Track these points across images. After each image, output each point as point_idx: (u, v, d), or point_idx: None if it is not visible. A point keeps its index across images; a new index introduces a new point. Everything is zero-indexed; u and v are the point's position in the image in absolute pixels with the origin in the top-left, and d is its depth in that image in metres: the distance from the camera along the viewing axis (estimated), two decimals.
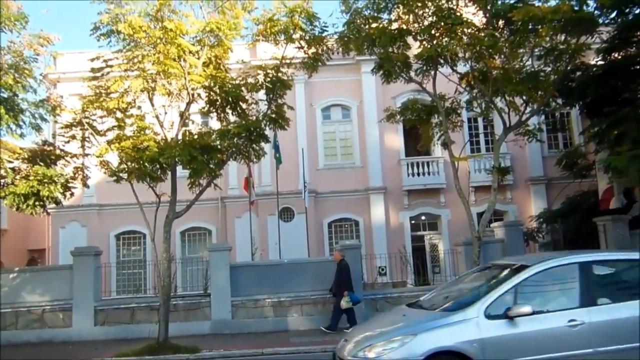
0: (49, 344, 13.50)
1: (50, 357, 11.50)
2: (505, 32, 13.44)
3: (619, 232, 15.29)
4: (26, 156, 12.95)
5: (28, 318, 14.16)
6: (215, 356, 11.39)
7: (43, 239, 24.13)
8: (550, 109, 16.34)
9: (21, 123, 12.43)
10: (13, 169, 12.64)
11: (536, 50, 13.66)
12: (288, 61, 13.13)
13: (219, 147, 12.83)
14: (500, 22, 13.32)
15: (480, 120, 22.54)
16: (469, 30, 12.89)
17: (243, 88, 12.70)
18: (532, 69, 13.70)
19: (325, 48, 13.15)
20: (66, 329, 14.03)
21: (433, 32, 12.89)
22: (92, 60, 11.75)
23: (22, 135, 12.55)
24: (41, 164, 12.53)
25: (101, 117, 12.43)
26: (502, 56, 13.42)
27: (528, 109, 13.94)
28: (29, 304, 14.23)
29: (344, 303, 13.45)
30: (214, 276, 14.52)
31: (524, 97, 13.48)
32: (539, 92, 13.48)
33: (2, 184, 12.94)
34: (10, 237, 27.43)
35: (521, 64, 13.73)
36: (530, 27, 12.51)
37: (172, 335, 12.47)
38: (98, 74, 11.89)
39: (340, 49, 14.61)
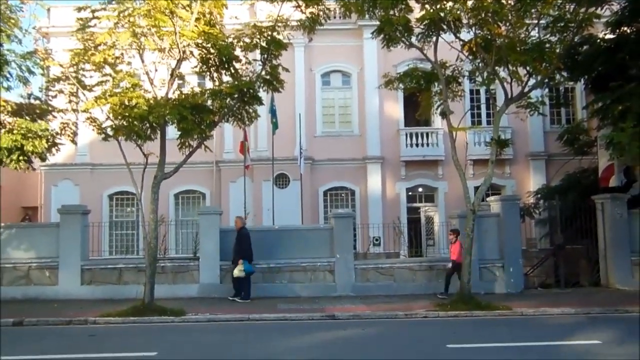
0: (35, 301, 13.38)
1: (35, 314, 11.36)
2: None
3: (617, 211, 15.07)
4: (11, 109, 12.56)
5: (13, 274, 14.03)
6: (201, 319, 11.27)
7: (36, 197, 23.93)
8: (554, 82, 15.87)
9: (7, 75, 11.98)
10: None
11: (543, 19, 13.13)
12: (285, 21, 12.65)
13: (210, 107, 12.47)
14: None
15: (482, 91, 22.07)
16: None
17: (237, 47, 12.25)
18: (538, 39, 13.19)
19: (323, 8, 12.61)
20: (52, 286, 13.92)
21: None
22: (79, 10, 11.26)
23: (8, 88, 12.16)
24: (27, 118, 12.17)
25: (89, 71, 12.01)
26: (507, 24, 12.89)
27: (531, 81, 13.48)
28: (14, 260, 14.07)
29: (237, 271, 13.28)
30: (203, 240, 14.34)
31: (528, 68, 13.01)
32: (544, 64, 13.01)
33: None
34: (4, 194, 27.14)
35: (526, 33, 13.22)
36: None
37: (160, 297, 12.36)
38: (86, 25, 11.42)
39: (340, 11, 14.09)
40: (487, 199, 15.82)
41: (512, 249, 14.56)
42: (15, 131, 11.52)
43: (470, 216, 12.65)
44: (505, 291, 14.36)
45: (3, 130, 11.85)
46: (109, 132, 12.11)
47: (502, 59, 12.73)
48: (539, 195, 19.01)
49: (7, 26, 11.49)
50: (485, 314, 11.62)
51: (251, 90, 12.36)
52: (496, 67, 13.04)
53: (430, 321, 11.26)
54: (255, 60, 13.09)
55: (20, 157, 11.75)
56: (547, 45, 13.03)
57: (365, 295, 13.81)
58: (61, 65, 12.16)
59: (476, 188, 16.72)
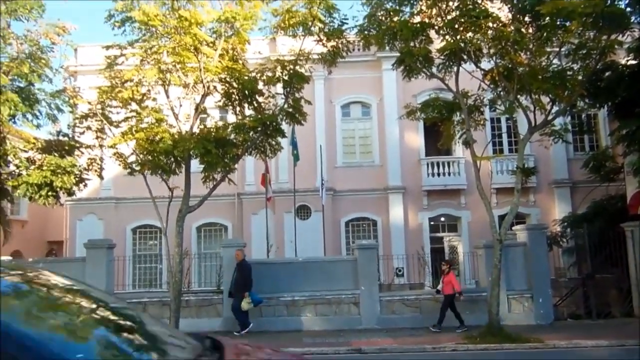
0: None
1: None
2: (531, 27, 12.94)
3: None
4: (41, 146, 12.87)
5: None
6: None
7: (61, 231, 24.24)
8: (577, 109, 15.77)
9: (37, 113, 12.32)
10: (27, 159, 12.57)
11: (564, 47, 13.14)
12: (306, 55, 12.85)
13: (234, 140, 12.62)
14: (527, 17, 12.82)
15: (503, 120, 22.01)
16: (494, 25, 12.42)
17: (260, 81, 12.44)
18: (560, 67, 13.17)
19: (344, 41, 12.79)
20: None
21: (457, 26, 12.43)
22: (107, 48, 11.61)
23: (38, 126, 12.52)
24: (55, 154, 12.43)
25: (116, 107, 12.30)
26: (528, 52, 12.92)
27: (554, 108, 13.40)
28: None
29: (245, 304, 12.97)
30: (226, 273, 14.28)
31: (551, 96, 12.96)
32: (567, 91, 12.95)
33: (16, 173, 12.90)
34: (29, 228, 27.67)
35: (548, 60, 13.21)
36: (558, 22, 12.03)
37: (183, 331, 12.26)
38: (113, 63, 11.76)
39: (360, 43, 14.26)
40: (513, 228, 15.57)
41: (540, 279, 14.24)
42: (44, 167, 11.76)
43: (497, 246, 12.44)
44: (534, 322, 13.99)
45: (33, 167, 12.10)
46: (135, 167, 12.29)
47: (524, 87, 12.72)
48: (565, 224, 18.68)
49: (38, 66, 11.83)
50: (516, 347, 11.30)
51: (274, 123, 12.49)
52: (518, 96, 13.02)
53: (460, 354, 10.99)
54: (277, 93, 13.26)
55: (49, 193, 11.97)
56: (569, 72, 12.99)
57: (390, 328, 13.57)
58: (89, 103, 12.47)
59: (500, 217, 16.55)
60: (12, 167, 13.51)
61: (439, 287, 13.75)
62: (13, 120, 11.90)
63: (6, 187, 13.25)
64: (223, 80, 12.29)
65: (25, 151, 12.72)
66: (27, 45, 12.23)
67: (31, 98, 11.96)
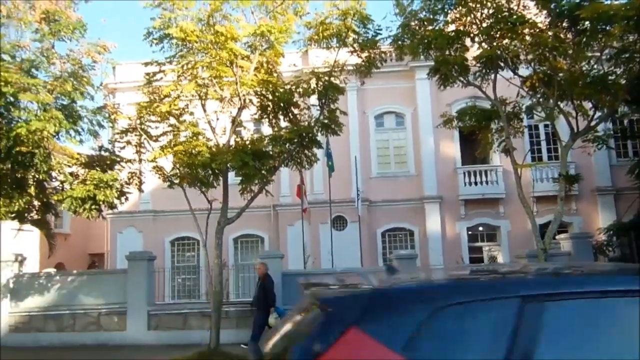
0: (105, 347, 13.68)
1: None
2: (570, 32, 12.66)
3: None
4: (84, 161, 13.23)
5: (85, 320, 14.43)
6: None
7: (102, 244, 24.82)
8: (620, 114, 15.31)
9: (79, 129, 12.67)
10: (71, 174, 12.93)
11: (605, 51, 12.79)
12: (340, 66, 12.87)
13: (270, 152, 12.69)
14: (565, 22, 12.55)
15: (541, 127, 21.58)
16: (532, 31, 12.21)
17: (295, 93, 12.51)
18: (602, 71, 12.82)
19: (379, 52, 12.77)
20: (121, 332, 14.19)
21: (493, 33, 12.27)
22: (146, 64, 11.89)
23: (80, 142, 12.83)
24: (97, 169, 12.75)
25: (155, 122, 12.57)
26: (568, 58, 12.63)
27: (597, 114, 13.04)
28: (85, 306, 14.52)
29: (273, 320, 12.18)
30: None
31: (593, 101, 12.62)
32: (609, 96, 12.59)
33: (60, 188, 13.27)
34: (72, 242, 28.45)
35: (589, 65, 12.89)
36: (599, 26, 11.72)
37: (224, 342, 12.32)
38: (152, 79, 12.03)
39: (394, 53, 14.22)
40: (557, 237, 15.16)
41: None
42: (88, 182, 12.07)
43: (542, 255, 12.12)
44: None
45: (76, 182, 12.44)
46: (174, 180, 12.50)
47: (565, 93, 12.43)
48: (610, 232, 18.08)
49: (80, 84, 12.19)
50: None
51: (310, 135, 12.52)
52: (559, 102, 12.73)
53: None
54: (312, 105, 13.31)
55: (93, 206, 12.26)
56: (612, 77, 12.63)
57: None
58: (129, 118, 12.78)
59: (541, 226, 16.13)
60: (56, 183, 13.93)
61: None
62: (57, 136, 12.25)
63: (51, 201, 13.66)
64: (259, 93, 12.41)
65: (69, 166, 13.09)
66: (69, 65, 12.61)
67: (74, 115, 12.30)
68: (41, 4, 12.09)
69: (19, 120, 11.52)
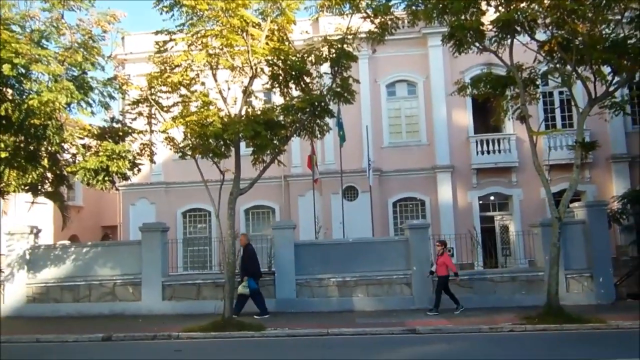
0: (120, 317, 13.87)
1: (122, 329, 11.76)
2: None
3: None
4: (95, 133, 13.18)
5: (100, 291, 14.61)
6: (280, 334, 11.25)
7: (115, 216, 24.99)
8: (638, 80, 14.94)
9: (91, 101, 12.58)
10: (84, 146, 12.91)
11: (626, 13, 12.40)
12: (353, 33, 12.61)
13: (282, 122, 12.59)
14: None
15: (556, 94, 21.22)
16: None
17: (307, 61, 12.31)
18: (622, 35, 12.46)
19: (393, 17, 12.47)
20: (136, 302, 14.37)
21: None
22: (156, 33, 11.71)
23: (92, 113, 12.73)
24: (110, 140, 12.71)
25: (166, 92, 12.45)
26: (587, 21, 12.27)
27: (616, 79, 12.73)
28: (100, 277, 14.68)
29: (241, 288, 12.93)
30: (278, 254, 14.40)
31: (612, 66, 12.30)
32: (629, 61, 12.26)
33: (73, 160, 13.26)
34: (85, 214, 28.67)
35: (609, 29, 12.53)
36: None
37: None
38: (162, 48, 11.87)
39: (407, 20, 13.90)
40: (571, 205, 15.04)
41: (601, 258, 13.74)
42: (100, 153, 12.04)
43: (556, 224, 12.03)
44: (595, 302, 13.56)
45: (89, 153, 12.41)
46: (187, 151, 12.44)
47: (583, 57, 12.12)
48: (625, 200, 17.86)
49: (91, 54, 12.05)
50: (578, 328, 10.96)
51: (322, 104, 12.36)
52: (577, 67, 12.43)
53: (518, 335, 10.72)
54: (325, 73, 13.11)
55: (106, 178, 12.26)
56: (632, 40, 12.28)
57: (444, 309, 13.37)
58: (140, 89, 12.66)
59: (555, 194, 15.98)
60: (69, 155, 13.91)
61: (433, 268, 13.42)
62: (69, 108, 12.16)
63: (64, 173, 13.67)
64: (270, 62, 12.22)
65: (82, 138, 13.06)
66: (79, 35, 12.44)
67: (85, 86, 12.18)
68: None
69: (31, 92, 11.43)
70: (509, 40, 12.71)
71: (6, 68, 10.35)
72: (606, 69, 12.54)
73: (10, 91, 11.91)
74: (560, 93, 20.95)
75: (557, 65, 13.03)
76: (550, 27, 12.37)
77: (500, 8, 12.29)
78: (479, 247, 17.85)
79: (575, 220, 14.44)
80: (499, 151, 21.44)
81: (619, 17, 12.36)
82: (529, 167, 17.08)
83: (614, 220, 17.14)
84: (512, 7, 11.87)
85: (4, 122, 11.51)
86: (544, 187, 12.54)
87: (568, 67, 12.55)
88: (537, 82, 13.86)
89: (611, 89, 12.59)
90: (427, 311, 13.03)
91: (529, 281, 13.91)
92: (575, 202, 15.64)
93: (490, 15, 12.64)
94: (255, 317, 12.78)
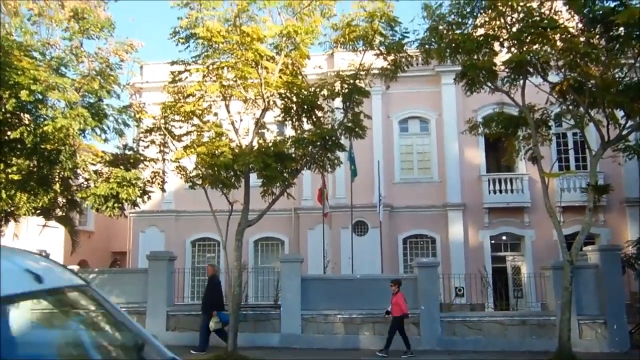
0: None
1: None
2: (603, 38, 12.30)
3: None
4: (108, 159, 13.31)
5: None
6: None
7: (125, 242, 25.03)
8: None
9: (105, 128, 12.74)
10: (95, 172, 13.02)
11: None
12: (366, 70, 12.73)
13: (293, 155, 12.61)
14: (598, 28, 12.20)
15: (569, 135, 21.14)
16: (563, 36, 11.91)
17: (319, 95, 12.41)
18: (635, 79, 12.43)
19: (405, 55, 12.59)
20: None
21: (523, 37, 11.98)
22: (172, 63, 11.92)
23: (105, 140, 12.88)
24: (121, 167, 12.81)
25: (179, 121, 12.59)
26: (600, 64, 12.28)
27: (629, 123, 12.65)
28: None
29: (213, 324, 12.66)
30: (284, 288, 14.23)
31: (625, 110, 12.23)
32: None
33: (84, 185, 13.37)
34: (95, 239, 28.77)
35: (622, 73, 12.52)
36: (634, 32, 11.37)
37: (241, 346, 12.24)
38: (177, 78, 12.06)
39: (420, 57, 14.04)
40: (584, 248, 14.76)
41: (615, 304, 13.36)
42: (111, 180, 12.12)
43: (568, 268, 11.78)
44: (608, 350, 13.12)
45: (100, 180, 12.51)
46: (196, 180, 12.49)
47: (596, 100, 12.08)
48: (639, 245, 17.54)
49: (107, 83, 12.27)
50: None
51: (333, 138, 12.39)
52: (589, 109, 12.38)
53: None
54: (337, 108, 13.20)
55: (115, 204, 12.32)
56: None
57: (452, 350, 13.06)
58: (154, 117, 12.82)
59: (567, 237, 15.73)
60: (80, 180, 14.04)
61: (389, 308, 13.10)
62: (83, 134, 12.32)
63: (75, 198, 13.76)
64: (283, 95, 12.34)
65: (94, 164, 13.18)
66: (97, 63, 12.70)
67: (100, 113, 12.36)
68: (70, 2, 12.21)
69: (46, 117, 11.61)
70: (521, 81, 12.74)
71: (24, 94, 10.56)
72: (619, 113, 12.47)
73: (26, 116, 12.13)
74: (574, 134, 20.84)
75: (570, 107, 13.00)
76: (562, 69, 12.39)
77: (512, 49, 12.35)
78: (489, 288, 17.50)
79: (588, 264, 14.12)
80: (512, 191, 21.27)
81: (632, 61, 12.35)
82: (542, 207, 16.83)
83: (629, 265, 16.80)
84: (524, 49, 11.92)
85: (18, 145, 11.68)
86: (556, 229, 12.36)
87: (581, 109, 12.50)
88: (550, 124, 13.81)
89: (624, 132, 12.48)
90: (377, 351, 12.72)
91: (540, 325, 13.56)
92: (589, 246, 15.33)
93: (502, 55, 12.72)
94: (192, 352, 12.47)
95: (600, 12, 11.69)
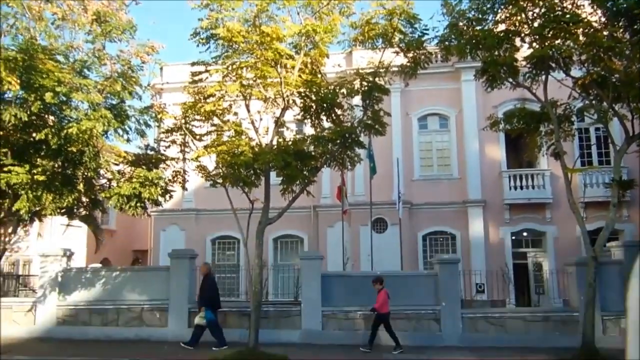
0: (146, 342, 13.91)
1: (148, 355, 11.79)
2: (627, 32, 12.11)
3: None
4: (130, 159, 13.50)
5: (128, 316, 14.72)
6: None
7: (146, 241, 25.38)
8: None
9: (127, 128, 12.93)
10: (118, 172, 13.22)
11: None
12: (385, 67, 12.70)
13: (313, 153, 12.63)
14: (622, 22, 12.02)
15: (592, 130, 20.86)
16: (586, 31, 11.75)
17: (339, 94, 12.41)
18: None
19: (425, 52, 12.53)
20: (162, 328, 14.41)
21: (544, 32, 11.84)
22: (193, 64, 12.04)
23: (128, 140, 13.06)
24: (143, 167, 12.98)
25: (199, 121, 12.71)
26: (624, 59, 12.09)
27: None
28: (129, 302, 14.80)
29: (198, 319, 12.97)
30: (305, 285, 14.30)
31: None
32: None
33: (107, 185, 13.58)
34: (117, 238, 29.22)
35: None
36: None
37: (262, 342, 12.32)
38: (197, 78, 12.17)
39: (440, 54, 13.95)
40: (608, 244, 14.56)
41: None
42: (134, 180, 12.30)
43: (592, 264, 11.65)
44: None
45: (123, 179, 12.70)
46: (217, 179, 12.61)
47: (620, 95, 11.91)
48: None
49: (129, 84, 12.44)
50: None
51: (353, 135, 12.40)
52: (613, 104, 12.21)
53: None
54: (356, 105, 13.20)
55: (138, 204, 12.50)
56: None
57: (474, 347, 13.00)
58: (174, 118, 12.98)
59: (590, 232, 15.54)
60: (104, 180, 14.27)
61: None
62: (106, 135, 12.53)
63: (99, 198, 13.99)
64: (302, 93, 12.37)
65: (117, 164, 13.38)
66: (119, 65, 12.88)
67: (122, 114, 12.56)
68: (93, 5, 12.40)
69: (70, 119, 11.82)
70: (543, 77, 12.60)
71: (48, 96, 10.76)
72: None
73: (51, 117, 12.36)
74: (597, 129, 20.58)
75: (593, 102, 12.83)
76: (585, 64, 12.23)
77: (534, 44, 12.22)
78: (510, 285, 17.38)
79: (613, 260, 13.96)
80: (533, 187, 21.07)
81: None
82: (564, 203, 16.65)
83: None
84: (546, 44, 11.79)
85: (43, 147, 11.92)
86: (579, 225, 12.21)
87: (604, 104, 12.33)
88: (572, 119, 13.64)
89: None
90: (361, 346, 12.82)
91: (563, 322, 13.44)
92: (613, 242, 15.12)
93: (524, 51, 12.59)
94: (214, 348, 12.73)
95: (624, 5, 11.51)
